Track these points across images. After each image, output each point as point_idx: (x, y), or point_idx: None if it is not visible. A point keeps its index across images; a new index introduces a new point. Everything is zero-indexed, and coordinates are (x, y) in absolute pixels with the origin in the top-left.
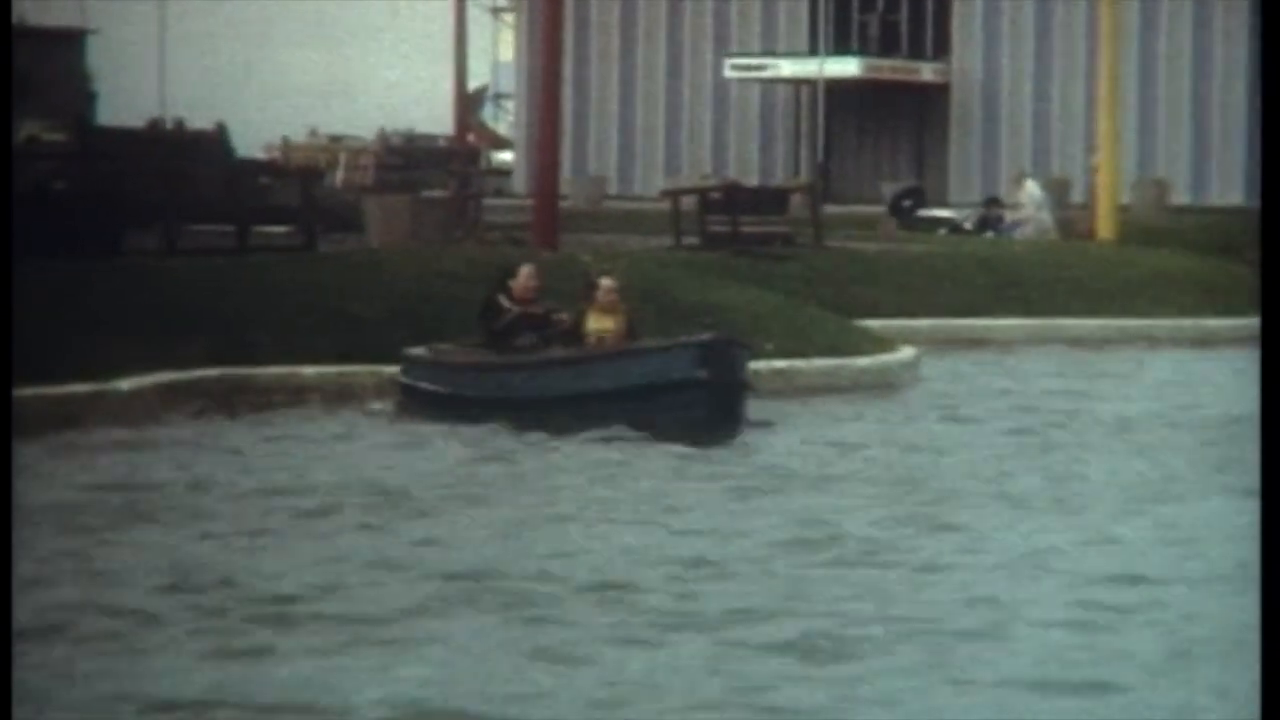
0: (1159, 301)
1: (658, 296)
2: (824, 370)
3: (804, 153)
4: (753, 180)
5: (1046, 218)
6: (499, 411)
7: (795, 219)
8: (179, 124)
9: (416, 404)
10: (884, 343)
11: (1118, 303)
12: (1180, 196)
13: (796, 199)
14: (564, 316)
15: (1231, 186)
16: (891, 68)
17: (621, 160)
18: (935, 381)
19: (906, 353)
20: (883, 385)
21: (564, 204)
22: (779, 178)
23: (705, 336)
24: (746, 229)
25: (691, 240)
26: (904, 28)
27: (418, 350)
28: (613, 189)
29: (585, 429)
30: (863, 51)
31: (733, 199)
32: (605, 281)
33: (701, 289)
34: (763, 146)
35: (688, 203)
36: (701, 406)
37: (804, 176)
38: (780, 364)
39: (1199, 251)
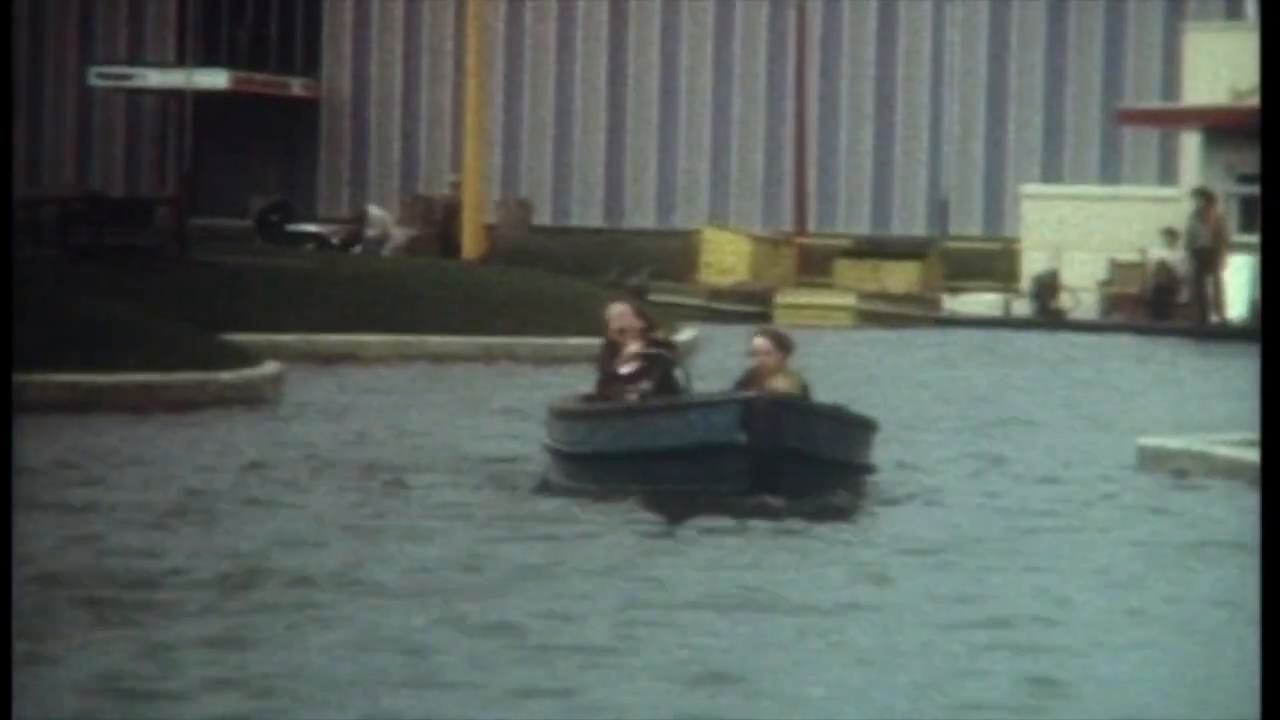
0: (524, 320)
1: None
2: (189, 384)
3: (171, 164)
4: (118, 191)
5: (399, 234)
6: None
7: (161, 231)
8: None
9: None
10: (249, 358)
11: (483, 321)
12: (543, 217)
13: (162, 211)
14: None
15: (591, 212)
16: (261, 81)
17: None
18: (304, 393)
19: (270, 368)
20: (250, 400)
21: None
22: (145, 189)
23: (746, 393)
24: (110, 240)
25: (52, 252)
26: (274, 41)
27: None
28: None
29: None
30: (232, 64)
31: (96, 209)
32: (759, 341)
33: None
34: (129, 157)
35: (49, 213)
36: (743, 479)
37: (171, 188)
38: (141, 377)
39: (562, 271)
